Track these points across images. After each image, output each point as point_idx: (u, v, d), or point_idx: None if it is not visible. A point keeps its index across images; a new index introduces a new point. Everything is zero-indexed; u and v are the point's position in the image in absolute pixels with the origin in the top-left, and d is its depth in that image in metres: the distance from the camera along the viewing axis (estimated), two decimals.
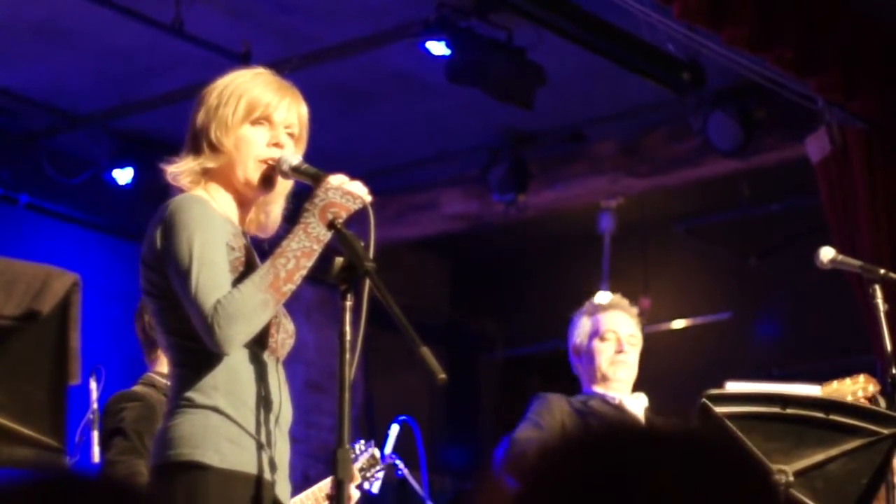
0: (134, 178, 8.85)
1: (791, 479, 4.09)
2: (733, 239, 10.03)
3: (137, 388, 4.84)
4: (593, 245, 9.94)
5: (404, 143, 9.32)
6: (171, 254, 3.33)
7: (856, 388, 4.77)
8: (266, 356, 3.46)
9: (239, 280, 3.34)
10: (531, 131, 9.18)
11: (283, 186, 3.59)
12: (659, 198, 9.62)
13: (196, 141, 3.51)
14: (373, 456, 5.34)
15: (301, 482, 10.04)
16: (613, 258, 9.87)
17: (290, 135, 3.56)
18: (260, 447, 3.39)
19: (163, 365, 4.76)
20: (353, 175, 3.51)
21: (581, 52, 7.53)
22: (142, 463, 4.40)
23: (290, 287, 3.34)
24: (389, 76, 8.33)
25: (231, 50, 7.54)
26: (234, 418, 3.35)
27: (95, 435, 5.32)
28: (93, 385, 5.41)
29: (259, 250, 3.57)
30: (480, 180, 9.49)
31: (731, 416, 4.08)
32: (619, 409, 5.10)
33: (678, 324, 10.00)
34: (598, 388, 5.16)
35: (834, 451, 4.13)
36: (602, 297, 5.40)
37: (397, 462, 6.52)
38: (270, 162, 3.51)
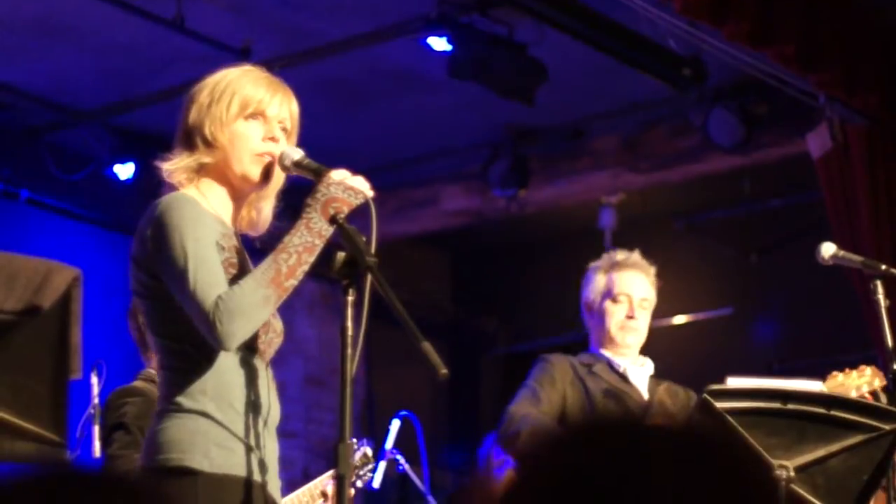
0: (135, 173, 8.85)
1: (792, 474, 4.09)
2: (734, 235, 10.02)
3: (138, 383, 4.84)
4: (594, 241, 9.93)
5: (405, 139, 9.32)
6: (165, 254, 3.31)
7: (861, 382, 4.76)
8: (254, 357, 3.45)
9: (231, 281, 3.34)
10: (532, 127, 9.18)
11: (277, 182, 3.58)
12: (660, 194, 9.62)
13: (189, 138, 3.50)
14: (365, 454, 5.34)
15: (301, 477, 10.06)
16: None
17: (283, 129, 3.56)
18: (249, 450, 3.38)
19: None
20: (355, 170, 3.51)
21: (582, 48, 7.53)
22: None
23: (292, 282, 3.33)
24: (390, 72, 8.33)
25: (232, 46, 7.54)
26: (223, 422, 3.34)
27: (96, 430, 5.32)
28: (94, 380, 5.42)
29: (249, 249, 3.57)
30: (481, 176, 9.49)
31: (733, 412, 4.09)
32: (624, 378, 5.02)
33: (679, 319, 10.00)
34: (606, 352, 5.09)
35: (835, 447, 4.13)
36: (622, 254, 5.24)
37: (398, 457, 6.53)
38: (267, 156, 3.51)
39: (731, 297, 10.03)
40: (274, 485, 3.47)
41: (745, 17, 6.79)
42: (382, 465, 6.58)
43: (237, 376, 3.40)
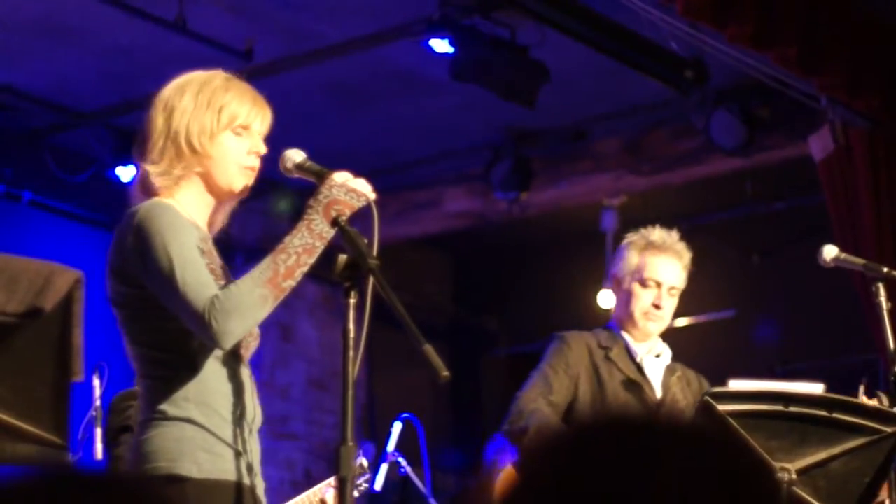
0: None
1: (794, 477, 4.09)
2: (736, 237, 10.02)
3: (136, 387, 4.84)
4: (596, 243, 9.93)
5: (407, 141, 9.33)
6: (150, 260, 3.30)
7: None
8: (235, 360, 3.44)
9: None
10: (534, 129, 9.18)
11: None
12: (662, 196, 9.61)
13: (174, 144, 3.46)
14: (361, 465, 5.32)
15: (303, 479, 10.06)
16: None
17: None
18: (236, 454, 3.39)
19: None
20: (357, 172, 3.51)
21: (584, 50, 7.53)
22: None
23: (289, 283, 3.32)
24: (393, 74, 8.33)
25: (234, 47, 7.55)
26: (209, 428, 3.34)
27: (98, 432, 5.32)
28: (96, 382, 5.42)
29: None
30: (483, 178, 9.49)
31: (734, 414, 4.08)
32: (639, 369, 4.91)
33: (681, 322, 10.00)
34: (626, 334, 4.96)
35: (837, 450, 4.13)
36: (660, 235, 5.02)
37: (400, 459, 6.53)
38: (250, 170, 3.52)
39: (733, 300, 10.02)
40: (260, 487, 3.48)
41: (747, 19, 6.79)
42: (384, 467, 6.58)
43: (220, 381, 3.40)
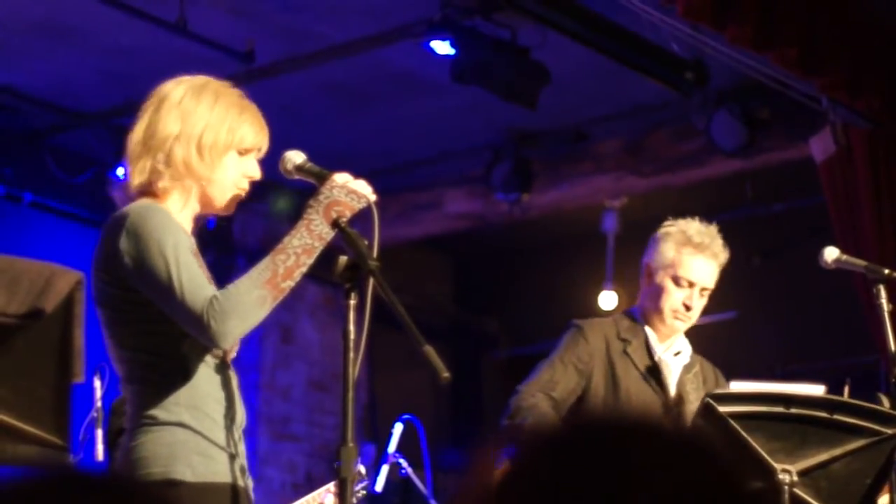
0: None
1: (795, 478, 4.09)
2: (737, 239, 9.96)
3: None
4: (597, 244, 9.94)
5: (408, 142, 9.33)
6: (144, 262, 3.28)
7: None
8: (218, 362, 3.42)
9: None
10: (535, 131, 9.18)
11: None
12: (663, 197, 9.61)
13: (180, 148, 3.43)
14: (358, 471, 5.30)
15: (304, 481, 10.06)
16: (617, 258, 9.87)
17: None
18: (230, 456, 3.38)
19: None
20: (357, 174, 3.51)
21: (585, 52, 7.53)
22: None
23: (288, 284, 3.31)
24: (393, 75, 8.33)
25: (235, 49, 7.55)
26: (201, 431, 3.33)
27: (99, 433, 5.32)
28: (97, 383, 5.42)
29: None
30: (484, 179, 9.50)
31: (735, 416, 4.08)
32: (656, 368, 4.78)
33: None
34: (649, 328, 4.83)
35: (838, 451, 4.13)
36: (699, 230, 4.84)
37: (401, 461, 6.53)
38: (243, 192, 3.51)
39: (733, 301, 10.01)
40: (250, 486, 3.49)
41: (747, 20, 6.79)
42: (385, 468, 6.58)
43: (209, 384, 3.39)
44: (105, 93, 8.45)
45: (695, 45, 7.44)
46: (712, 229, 4.90)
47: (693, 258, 4.80)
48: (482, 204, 9.79)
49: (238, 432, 3.44)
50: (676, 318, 4.81)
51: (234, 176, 3.49)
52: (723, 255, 4.87)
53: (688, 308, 4.81)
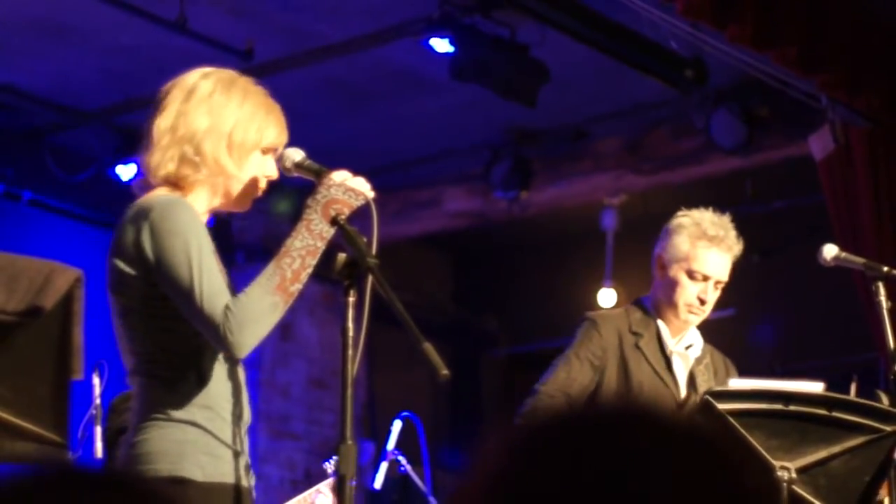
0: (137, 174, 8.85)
1: (794, 475, 4.09)
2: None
3: None
4: (596, 242, 9.94)
5: (407, 140, 9.33)
6: (166, 260, 3.25)
7: None
8: (231, 361, 3.41)
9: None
10: (534, 128, 9.18)
11: None
12: (662, 195, 9.61)
13: (210, 142, 3.41)
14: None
15: (303, 479, 10.06)
16: (616, 256, 9.87)
17: None
18: (235, 455, 3.38)
19: None
20: (356, 171, 3.51)
21: (584, 50, 7.53)
22: None
23: (297, 287, 3.31)
24: (393, 73, 8.33)
25: (235, 47, 7.55)
26: (211, 431, 3.32)
27: (98, 430, 5.32)
28: (96, 381, 5.42)
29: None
30: (483, 177, 9.49)
31: (734, 413, 4.09)
32: (667, 363, 4.70)
33: None
34: (662, 322, 4.74)
35: (837, 448, 4.13)
36: (713, 222, 4.78)
37: (400, 458, 6.53)
38: (259, 193, 3.52)
39: (732, 299, 9.98)
40: (252, 484, 3.48)
41: (747, 18, 6.79)
42: (384, 465, 6.58)
43: (221, 383, 3.37)
44: (105, 91, 8.45)
45: (694, 44, 7.44)
46: (725, 220, 4.85)
47: (708, 251, 4.74)
48: (481, 202, 9.79)
49: (244, 430, 3.44)
50: (691, 312, 4.73)
51: (257, 175, 3.49)
52: (737, 247, 4.83)
53: (702, 302, 4.73)
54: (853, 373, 4.67)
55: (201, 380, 3.33)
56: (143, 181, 3.46)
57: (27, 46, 7.90)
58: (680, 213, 4.88)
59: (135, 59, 7.97)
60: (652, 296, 4.83)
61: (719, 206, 5.00)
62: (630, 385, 4.63)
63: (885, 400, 4.40)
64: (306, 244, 3.33)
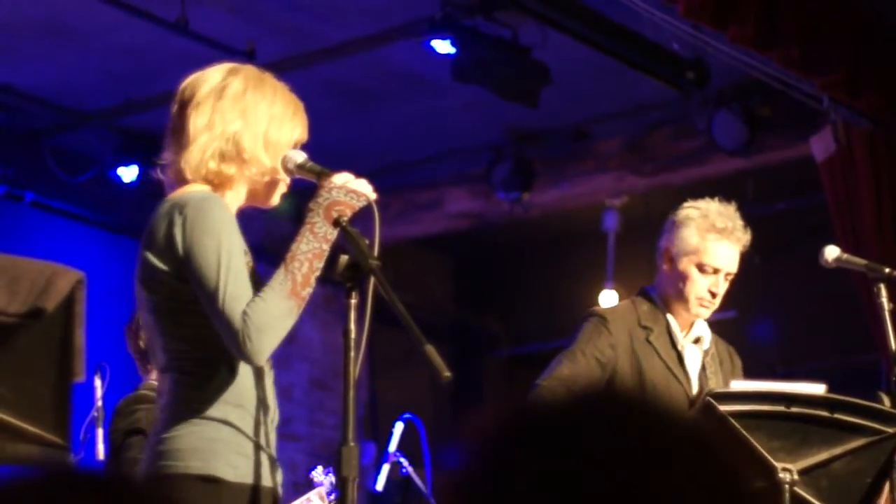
0: (138, 175, 8.86)
1: (796, 477, 4.09)
2: None
3: (144, 392, 4.84)
4: (598, 243, 9.93)
5: (409, 142, 9.33)
6: (196, 257, 3.25)
7: None
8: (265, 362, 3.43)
9: (252, 286, 3.30)
10: (536, 130, 9.18)
11: None
12: (663, 196, 9.60)
13: (238, 146, 3.42)
14: (332, 483, 5.27)
15: (304, 481, 10.03)
16: (618, 257, 9.87)
17: None
18: (266, 456, 3.38)
19: None
20: (358, 173, 3.51)
21: (586, 51, 7.53)
22: None
23: (308, 291, 3.31)
24: (394, 74, 8.33)
25: (236, 48, 7.55)
26: (244, 430, 3.33)
27: (100, 432, 5.32)
28: (97, 382, 5.42)
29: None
30: (485, 179, 9.50)
31: (736, 415, 4.08)
32: (679, 358, 4.65)
33: None
34: (671, 315, 4.68)
35: (838, 450, 4.13)
36: (720, 213, 4.74)
37: (401, 460, 6.53)
38: (287, 187, 3.55)
39: (734, 300, 9.98)
40: (279, 483, 3.48)
41: (748, 19, 6.79)
42: (386, 467, 6.58)
43: (253, 382, 3.39)
44: (106, 93, 8.45)
45: (696, 45, 7.44)
46: (731, 210, 4.81)
47: (718, 244, 4.70)
48: (483, 203, 9.79)
49: (273, 429, 3.45)
50: (702, 305, 4.67)
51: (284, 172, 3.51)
52: (745, 237, 4.76)
53: (713, 295, 4.69)
54: (850, 374, 4.67)
55: (234, 379, 3.34)
56: (177, 177, 3.45)
57: (28, 47, 7.90)
58: (686, 204, 4.84)
59: (136, 60, 7.98)
60: (659, 288, 4.77)
61: None
62: (644, 381, 4.57)
63: (886, 401, 4.40)
64: (312, 247, 3.33)
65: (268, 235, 9.35)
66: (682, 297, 4.68)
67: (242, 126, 3.43)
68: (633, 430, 1.31)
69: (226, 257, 3.25)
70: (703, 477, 1.29)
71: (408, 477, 6.61)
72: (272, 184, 3.49)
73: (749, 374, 4.83)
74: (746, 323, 9.88)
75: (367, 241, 3.35)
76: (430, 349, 3.19)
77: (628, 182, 9.36)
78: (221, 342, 3.29)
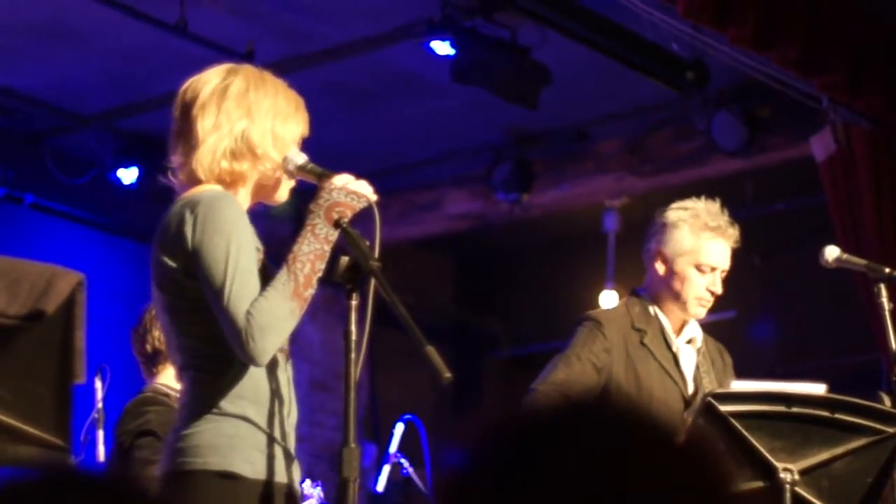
0: (138, 177, 8.86)
1: (797, 477, 4.09)
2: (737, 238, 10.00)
3: (149, 394, 4.84)
4: (598, 244, 9.93)
5: (409, 143, 9.33)
6: (205, 254, 3.26)
7: None
8: (282, 356, 3.43)
9: (263, 282, 3.31)
10: (535, 131, 9.18)
11: None
12: (663, 197, 9.57)
13: (249, 144, 3.43)
14: (321, 496, 5.27)
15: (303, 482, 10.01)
16: (618, 257, 9.87)
17: None
18: (286, 454, 3.39)
19: (169, 377, 4.74)
20: (358, 174, 3.51)
21: (585, 52, 7.53)
22: None
23: (310, 292, 3.32)
24: (394, 76, 8.33)
25: (235, 50, 7.55)
26: (262, 427, 3.33)
27: (100, 434, 5.32)
28: (98, 384, 5.42)
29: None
30: (485, 180, 9.50)
31: (736, 415, 4.08)
32: (675, 359, 4.64)
33: None
34: (663, 316, 4.67)
35: (839, 450, 4.13)
36: (710, 212, 4.77)
37: (402, 461, 6.53)
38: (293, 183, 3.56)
39: (734, 300, 9.98)
40: (297, 480, 3.49)
41: (748, 20, 6.79)
42: (386, 468, 6.58)
43: (270, 378, 3.38)
44: (106, 95, 8.45)
45: (695, 45, 7.44)
46: (717, 207, 4.84)
47: (713, 242, 4.72)
48: (483, 204, 9.79)
49: (291, 427, 3.44)
50: (701, 304, 4.68)
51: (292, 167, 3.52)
52: (735, 234, 4.82)
53: (712, 294, 4.69)
54: (850, 374, 4.67)
55: (251, 375, 3.33)
56: (189, 178, 3.45)
57: (28, 50, 7.90)
58: (673, 205, 4.86)
59: (135, 61, 7.98)
60: (650, 290, 4.76)
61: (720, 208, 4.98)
62: (640, 385, 4.57)
63: (887, 401, 4.40)
64: (313, 248, 3.34)
65: (267, 236, 9.36)
66: (678, 298, 4.68)
67: (249, 123, 3.45)
68: (627, 436, 1.31)
69: (234, 255, 3.26)
70: (694, 482, 1.29)
71: (408, 478, 6.61)
72: (281, 179, 3.51)
73: (749, 373, 4.83)
74: (746, 323, 9.88)
75: (367, 243, 3.35)
76: (431, 350, 3.19)
77: (628, 183, 9.36)
78: None
